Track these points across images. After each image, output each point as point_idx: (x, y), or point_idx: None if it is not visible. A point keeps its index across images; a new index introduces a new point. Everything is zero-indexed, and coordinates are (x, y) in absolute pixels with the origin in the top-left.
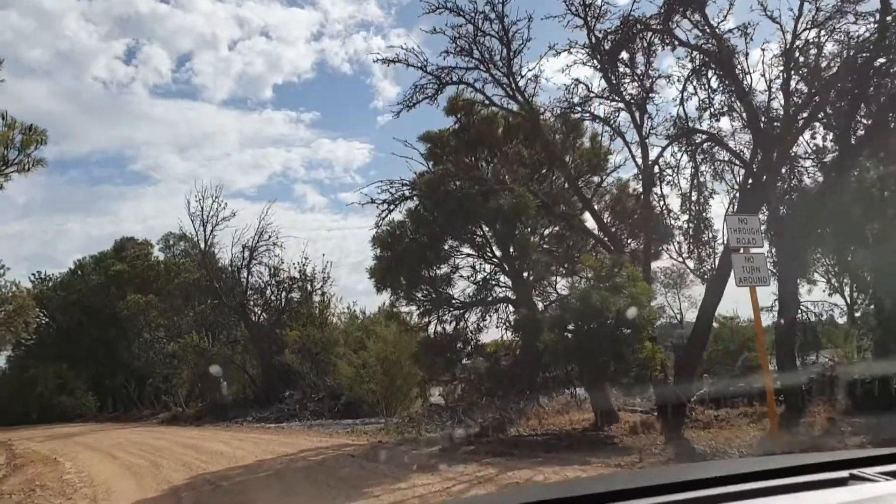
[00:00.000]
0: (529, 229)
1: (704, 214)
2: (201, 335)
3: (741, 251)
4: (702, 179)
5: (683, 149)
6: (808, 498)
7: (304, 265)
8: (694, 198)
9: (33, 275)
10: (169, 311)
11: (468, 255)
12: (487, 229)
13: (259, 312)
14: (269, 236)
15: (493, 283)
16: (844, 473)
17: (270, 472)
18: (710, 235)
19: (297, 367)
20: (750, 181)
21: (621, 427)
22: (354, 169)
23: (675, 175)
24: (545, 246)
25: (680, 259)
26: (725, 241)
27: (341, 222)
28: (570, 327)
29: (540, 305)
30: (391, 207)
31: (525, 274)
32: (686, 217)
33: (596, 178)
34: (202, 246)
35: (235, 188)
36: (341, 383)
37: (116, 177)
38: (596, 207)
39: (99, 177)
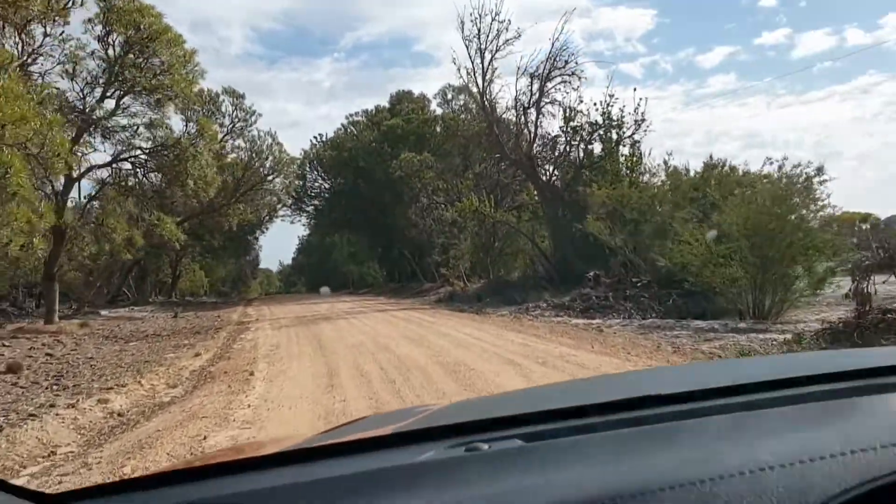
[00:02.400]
0: None
1: None
2: (482, 199)
3: None
4: None
5: None
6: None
7: (608, 105)
8: None
9: (314, 137)
10: (446, 173)
11: None
12: None
13: (550, 170)
14: (566, 62)
15: None
16: None
17: None
18: None
19: (606, 240)
20: None
21: None
22: (637, 38)
23: None
24: None
25: None
26: None
27: (620, 94)
28: None
29: None
30: None
31: None
32: None
33: None
34: (479, 82)
35: (514, 66)
36: (679, 263)
37: (404, 58)
38: None
39: (388, 59)
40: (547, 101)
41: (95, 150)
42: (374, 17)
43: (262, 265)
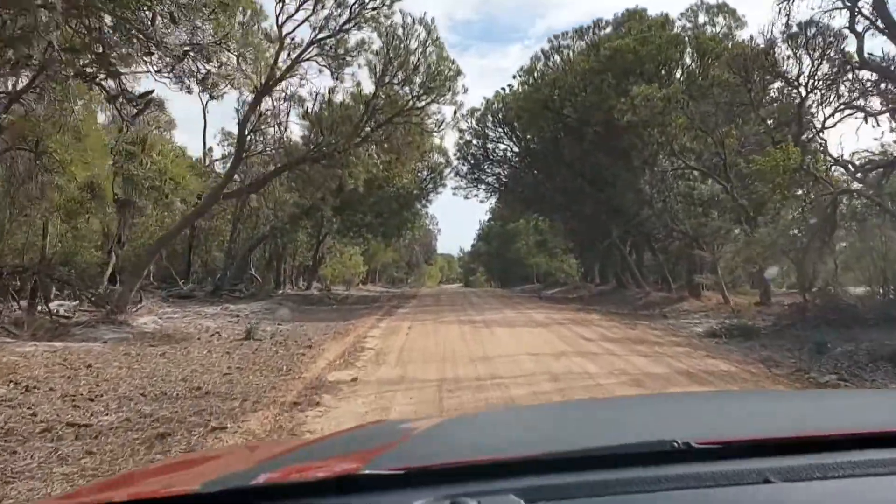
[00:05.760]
0: None
1: None
2: (811, 150)
3: None
4: None
5: None
6: None
7: None
8: None
9: (501, 89)
10: (700, 125)
11: None
12: None
13: None
14: None
15: None
16: None
17: None
18: None
19: None
20: None
21: None
22: None
23: None
24: None
25: None
26: None
27: None
28: None
29: None
30: None
31: None
32: None
33: None
34: None
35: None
36: None
37: None
38: None
39: None
40: None
41: None
42: (563, 4)
43: (443, 250)
